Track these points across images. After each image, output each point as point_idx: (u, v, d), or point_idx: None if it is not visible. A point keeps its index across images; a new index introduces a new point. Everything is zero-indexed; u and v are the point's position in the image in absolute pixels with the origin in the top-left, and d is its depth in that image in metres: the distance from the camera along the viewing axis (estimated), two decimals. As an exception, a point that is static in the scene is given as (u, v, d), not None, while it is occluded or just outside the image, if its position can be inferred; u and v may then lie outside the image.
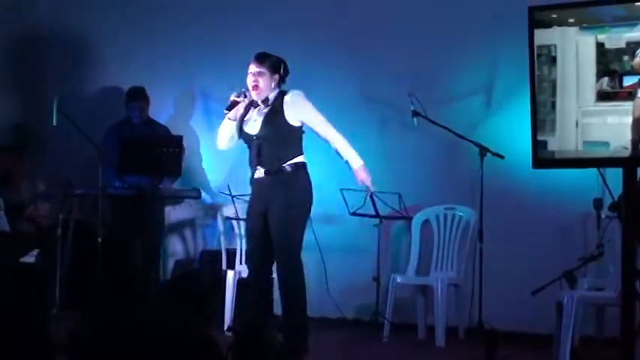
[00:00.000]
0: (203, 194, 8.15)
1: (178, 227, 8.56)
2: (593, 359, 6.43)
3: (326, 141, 5.93)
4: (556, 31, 4.34)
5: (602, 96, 4.24)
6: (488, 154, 6.96)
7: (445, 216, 7.48)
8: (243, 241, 7.04)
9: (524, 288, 6.00)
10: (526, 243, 7.20)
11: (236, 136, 6.06)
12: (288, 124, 5.89)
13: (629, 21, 4.18)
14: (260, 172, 5.92)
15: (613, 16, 4.21)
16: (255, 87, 5.93)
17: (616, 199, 5.22)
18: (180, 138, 7.67)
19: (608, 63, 4.22)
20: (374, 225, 7.34)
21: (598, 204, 6.76)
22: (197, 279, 8.01)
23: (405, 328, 7.34)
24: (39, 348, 4.25)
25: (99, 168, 7.13)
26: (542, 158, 4.43)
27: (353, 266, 7.68)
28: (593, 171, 5.26)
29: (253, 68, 5.95)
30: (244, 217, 6.28)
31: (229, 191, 7.30)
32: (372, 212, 7.28)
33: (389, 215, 7.34)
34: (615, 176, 4.52)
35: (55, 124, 6.99)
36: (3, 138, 8.52)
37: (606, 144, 4.25)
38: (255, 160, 5.92)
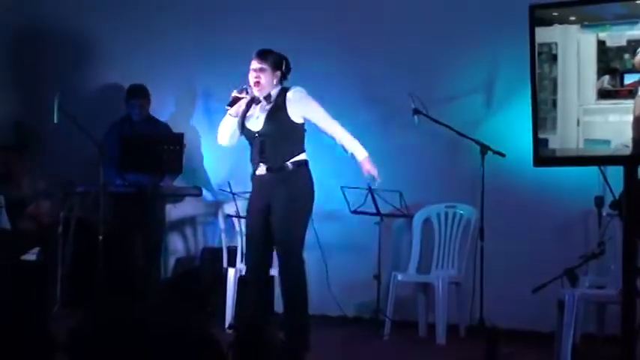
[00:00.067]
0: (204, 192, 8.15)
1: (179, 225, 8.56)
2: (595, 357, 6.42)
3: (330, 136, 5.93)
4: (557, 29, 4.34)
5: (603, 94, 4.23)
6: (489, 153, 6.95)
7: (446, 214, 7.48)
8: (244, 238, 7.03)
9: (525, 286, 6.00)
10: (527, 241, 7.20)
11: (237, 132, 6.06)
12: (291, 121, 5.90)
13: (630, 19, 4.17)
14: (262, 170, 5.93)
15: (614, 14, 4.21)
16: (257, 83, 5.93)
17: (617, 197, 5.22)
18: (181, 135, 7.67)
19: (609, 61, 4.22)
20: (375, 223, 7.35)
21: (599, 202, 6.76)
22: (198, 277, 8.01)
23: (406, 326, 7.34)
24: (40, 346, 4.25)
25: (100, 166, 7.13)
26: (543, 156, 4.43)
27: (354, 264, 7.68)
28: (594, 169, 5.27)
29: (255, 64, 5.95)
30: (245, 214, 6.28)
31: (230, 189, 7.31)
32: (373, 210, 7.28)
33: (390, 213, 7.34)
34: (616, 174, 4.51)
35: (55, 121, 6.99)
36: (3, 136, 8.52)
37: (607, 142, 4.24)
38: (258, 157, 5.93)
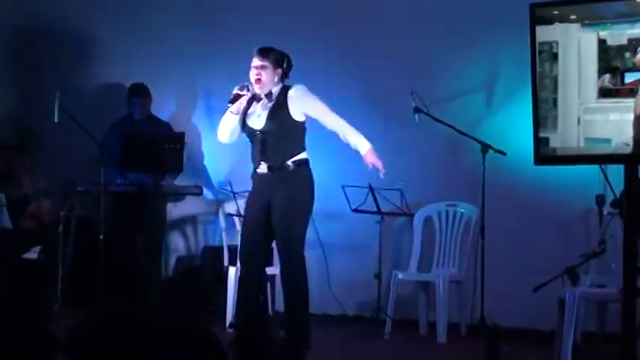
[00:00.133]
0: (205, 191, 8.14)
1: (180, 224, 8.55)
2: (595, 355, 6.42)
3: (333, 131, 5.92)
4: (558, 27, 4.34)
5: (604, 93, 4.24)
6: (490, 151, 6.95)
7: (447, 212, 7.48)
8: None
9: (526, 284, 5.99)
10: (528, 239, 7.20)
11: (238, 129, 6.05)
12: (293, 119, 5.90)
13: (631, 18, 4.18)
14: (263, 168, 5.92)
15: (615, 12, 4.21)
16: (258, 80, 5.92)
17: (618, 196, 5.22)
18: (182, 134, 7.67)
19: (610, 60, 4.22)
20: (376, 221, 7.35)
21: (600, 200, 6.74)
22: (199, 275, 8.02)
23: (407, 325, 7.34)
24: (40, 345, 4.25)
25: (100, 165, 7.13)
26: (544, 155, 4.44)
27: (354, 263, 7.68)
28: (595, 167, 5.26)
29: (256, 62, 5.94)
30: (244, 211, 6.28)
31: (231, 188, 7.31)
32: (374, 209, 7.28)
33: (391, 212, 7.34)
34: (617, 173, 4.52)
35: (56, 121, 6.99)
36: (4, 136, 8.52)
37: (608, 141, 4.25)
38: (259, 156, 5.92)
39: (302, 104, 5.90)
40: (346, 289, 7.58)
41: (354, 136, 5.88)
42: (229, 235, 7.58)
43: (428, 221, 7.53)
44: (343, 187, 7.27)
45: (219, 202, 8.02)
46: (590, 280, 6.36)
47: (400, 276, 7.26)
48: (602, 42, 4.22)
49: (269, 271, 7.19)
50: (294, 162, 5.88)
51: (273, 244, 6.13)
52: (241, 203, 7.05)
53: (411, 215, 7.47)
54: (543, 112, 4.40)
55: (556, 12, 4.35)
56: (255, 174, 5.99)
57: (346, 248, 7.70)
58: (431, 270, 7.41)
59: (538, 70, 4.40)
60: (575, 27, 4.30)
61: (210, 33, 8.37)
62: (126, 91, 8.21)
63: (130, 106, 8.14)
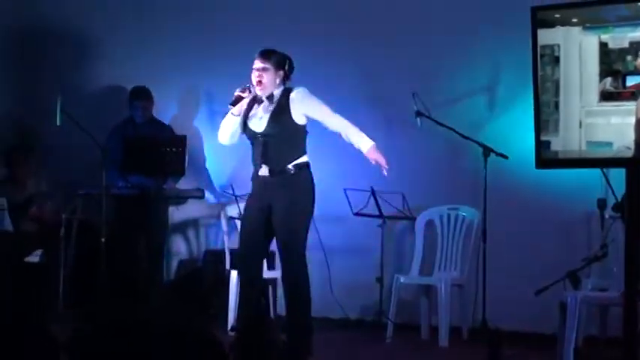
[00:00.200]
0: (206, 194, 8.14)
1: (182, 227, 8.56)
2: (597, 359, 6.42)
3: (335, 132, 5.92)
4: (559, 30, 4.34)
5: (606, 96, 4.24)
6: (492, 155, 6.95)
7: (449, 216, 7.47)
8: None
9: (528, 288, 6.00)
10: (529, 243, 7.19)
11: (239, 131, 6.05)
12: (294, 122, 5.90)
13: (632, 21, 4.18)
14: (264, 171, 5.92)
15: (616, 16, 4.21)
16: (259, 82, 5.93)
17: (619, 200, 5.22)
18: (183, 137, 7.67)
19: (612, 63, 4.22)
20: (377, 225, 7.35)
21: (602, 204, 6.75)
22: (200, 279, 8.02)
23: (409, 329, 7.33)
24: (42, 347, 4.25)
25: (102, 168, 7.13)
26: (546, 158, 4.43)
27: (356, 266, 7.67)
28: (596, 171, 5.27)
29: (258, 64, 5.95)
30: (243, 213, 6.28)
31: (233, 191, 7.31)
32: (376, 212, 7.28)
33: (392, 215, 7.34)
34: (619, 176, 4.52)
35: (58, 124, 6.99)
36: (4, 136, 8.53)
37: (610, 144, 4.25)
38: (260, 159, 5.92)
39: (304, 106, 5.90)
40: (348, 292, 7.57)
41: (357, 136, 5.88)
42: (231, 239, 7.58)
43: (430, 225, 7.53)
44: (345, 190, 7.27)
45: (220, 206, 8.02)
46: (591, 284, 6.36)
47: (402, 280, 7.26)
48: (603, 45, 4.22)
49: (271, 274, 7.21)
50: (295, 165, 5.88)
51: (273, 247, 6.14)
52: (243, 206, 7.05)
53: (413, 219, 7.47)
54: (545, 116, 4.40)
55: (557, 15, 4.35)
56: (256, 176, 5.99)
57: (348, 252, 7.70)
58: (433, 274, 7.41)
59: (539, 73, 4.40)
60: (576, 30, 4.30)
61: (213, 36, 8.37)
62: (127, 94, 8.21)
63: (132, 109, 8.14)
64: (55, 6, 8.95)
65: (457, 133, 7.04)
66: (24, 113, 8.82)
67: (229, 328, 7.14)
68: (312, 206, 5.93)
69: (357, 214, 7.32)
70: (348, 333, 7.40)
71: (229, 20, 8.31)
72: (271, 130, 5.90)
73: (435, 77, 7.59)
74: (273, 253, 6.89)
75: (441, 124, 7.05)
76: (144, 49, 8.61)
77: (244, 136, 6.08)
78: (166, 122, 8.29)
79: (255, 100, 5.98)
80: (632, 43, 4.16)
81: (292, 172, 5.87)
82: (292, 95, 5.91)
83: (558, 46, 4.35)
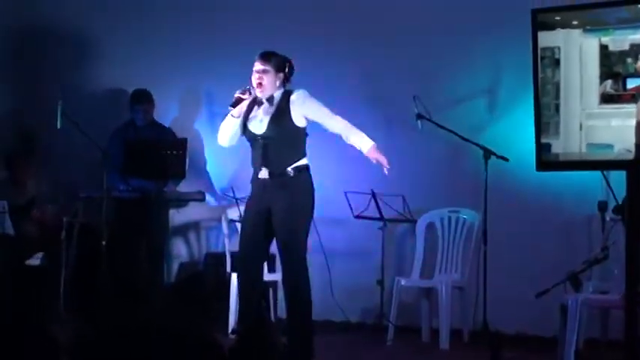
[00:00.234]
0: (207, 197, 8.14)
1: (183, 230, 8.56)
2: (598, 362, 6.44)
3: (336, 134, 5.92)
4: (560, 33, 4.35)
5: (606, 98, 4.24)
6: (493, 157, 6.94)
7: (449, 219, 7.47)
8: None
9: (529, 290, 5.99)
10: (530, 246, 7.19)
11: (239, 133, 6.05)
12: (294, 125, 5.90)
13: (632, 23, 4.18)
14: (264, 173, 5.92)
15: (617, 18, 4.21)
16: (260, 85, 5.93)
17: (620, 202, 5.21)
18: (184, 140, 7.67)
19: (612, 65, 4.22)
20: (378, 228, 7.35)
21: (602, 206, 6.75)
22: (201, 281, 8.01)
23: (410, 331, 7.33)
24: (43, 350, 4.25)
25: (103, 171, 7.13)
26: (546, 161, 4.44)
27: (357, 269, 7.67)
28: (597, 173, 5.26)
29: (258, 66, 5.95)
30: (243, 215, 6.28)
31: (233, 194, 7.31)
32: (377, 215, 7.28)
33: (393, 218, 7.34)
34: (620, 178, 4.52)
35: (59, 127, 6.98)
36: (5, 136, 8.53)
37: (610, 146, 4.25)
38: (260, 161, 5.92)
39: (304, 108, 5.91)
40: (349, 295, 7.57)
41: (357, 136, 5.87)
42: (232, 241, 7.58)
43: (430, 227, 7.53)
44: (346, 193, 7.27)
45: (221, 208, 8.02)
46: (592, 287, 6.36)
47: (403, 282, 7.26)
48: (604, 48, 4.23)
49: (272, 277, 7.21)
50: (294, 168, 5.88)
51: (274, 249, 6.14)
52: (243, 209, 7.05)
53: (414, 221, 7.47)
54: (545, 118, 4.40)
55: (558, 18, 4.36)
56: (255, 179, 5.99)
57: (349, 254, 7.70)
58: (433, 276, 7.41)
59: (540, 75, 4.41)
60: (577, 33, 4.30)
61: (213, 37, 8.37)
62: (128, 97, 8.21)
63: (133, 112, 8.14)
64: (55, 6, 8.94)
65: (458, 135, 7.04)
66: (24, 114, 8.81)
67: (230, 331, 7.14)
68: (312, 208, 5.93)
69: (357, 216, 7.33)
70: (349, 336, 7.40)
71: (229, 21, 8.31)
72: (271, 133, 5.90)
73: (436, 79, 7.59)
74: (273, 256, 6.89)
75: (442, 127, 7.04)
76: (144, 50, 8.61)
77: (244, 138, 6.08)
78: (167, 125, 8.29)
79: (255, 102, 5.98)
80: (632, 46, 4.17)
81: (292, 174, 5.87)
82: (292, 97, 5.91)
83: (559, 48, 4.35)
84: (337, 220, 7.51)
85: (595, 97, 4.26)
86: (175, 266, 8.55)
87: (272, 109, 5.93)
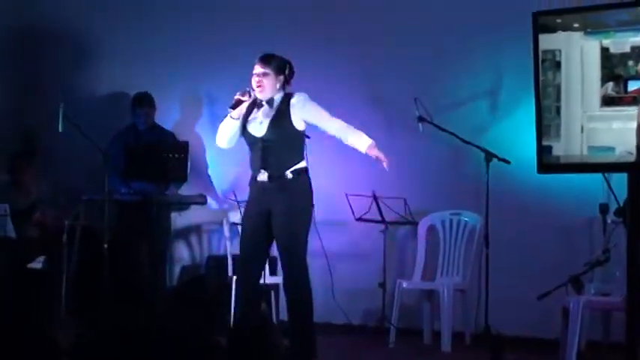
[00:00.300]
0: (209, 200, 8.14)
1: (184, 233, 8.56)
2: (600, 364, 6.43)
3: (335, 137, 5.91)
4: (561, 35, 4.35)
5: (607, 101, 4.24)
6: (494, 160, 6.93)
7: (451, 221, 7.48)
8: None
9: (530, 293, 5.99)
10: (532, 248, 7.19)
11: (238, 135, 6.04)
12: (294, 128, 5.90)
13: (633, 26, 4.18)
14: (263, 176, 5.92)
15: (617, 20, 4.22)
16: (260, 87, 5.93)
17: (621, 205, 5.21)
18: (186, 144, 7.66)
19: (613, 68, 4.22)
20: (380, 230, 7.35)
21: (604, 209, 6.74)
22: (203, 285, 8.01)
23: (411, 334, 7.33)
24: (45, 353, 4.26)
25: (105, 174, 7.13)
26: (547, 163, 4.44)
27: (358, 272, 7.67)
28: (598, 176, 5.25)
29: (258, 69, 5.95)
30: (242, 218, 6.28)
31: (235, 197, 7.31)
32: (378, 217, 7.28)
33: (394, 220, 7.34)
34: (621, 181, 4.51)
35: (60, 130, 6.98)
36: (8, 140, 8.53)
37: (611, 149, 4.25)
38: (259, 163, 5.92)
39: (304, 112, 5.90)
40: (350, 298, 7.57)
41: (355, 136, 5.85)
42: (233, 245, 7.57)
43: (432, 230, 7.53)
44: (347, 195, 7.28)
45: (223, 212, 8.03)
46: (594, 289, 6.36)
47: (404, 285, 7.26)
48: (605, 50, 4.23)
49: (274, 280, 7.21)
50: (293, 171, 5.87)
51: (274, 251, 6.14)
52: (243, 212, 7.05)
53: (415, 224, 7.48)
54: (546, 121, 4.41)
55: (559, 20, 4.36)
56: (254, 182, 5.98)
57: (350, 257, 7.70)
58: (435, 279, 7.41)
59: (541, 78, 4.41)
60: (578, 35, 4.30)
61: (213, 37, 8.36)
62: (128, 99, 8.21)
63: (134, 115, 8.14)
64: (55, 6, 8.95)
65: (459, 138, 7.03)
66: (24, 115, 8.80)
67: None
68: (311, 210, 5.92)
69: (359, 219, 7.33)
70: (351, 338, 7.40)
71: (229, 21, 8.31)
72: (271, 135, 5.89)
73: (437, 81, 7.59)
74: (275, 259, 6.88)
75: (443, 130, 7.04)
76: (144, 50, 8.61)
77: (243, 140, 6.07)
78: (168, 128, 8.29)
79: (255, 104, 5.97)
80: (633, 48, 4.17)
81: (290, 177, 5.87)
82: (293, 101, 5.91)
83: (560, 51, 4.35)
84: (339, 222, 7.51)
85: (596, 100, 4.26)
86: (177, 269, 8.55)
87: (272, 112, 5.93)
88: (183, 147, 7.61)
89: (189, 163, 7.57)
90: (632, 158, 4.18)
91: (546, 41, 4.38)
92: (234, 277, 7.31)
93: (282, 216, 5.83)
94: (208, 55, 8.38)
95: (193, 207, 8.27)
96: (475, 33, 7.48)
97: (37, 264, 7.56)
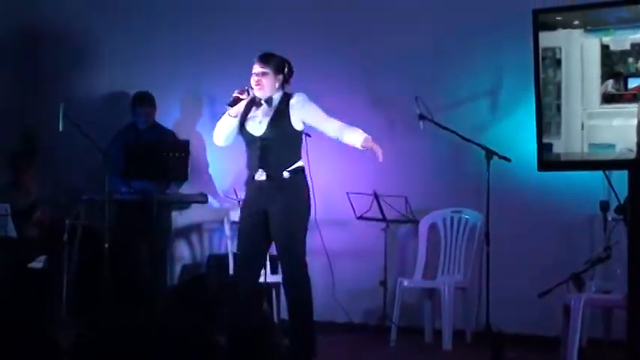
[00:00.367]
0: (210, 199, 8.14)
1: (185, 232, 8.55)
2: (601, 362, 6.44)
3: (332, 137, 5.90)
4: (561, 33, 4.35)
5: (607, 98, 4.24)
6: (495, 157, 6.93)
7: (452, 219, 7.47)
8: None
9: (531, 290, 5.99)
10: (532, 246, 7.19)
11: (235, 133, 6.02)
12: (293, 128, 5.89)
13: (633, 23, 4.18)
14: (261, 175, 5.91)
15: (617, 18, 4.22)
16: (258, 86, 5.92)
17: (622, 202, 5.21)
18: (186, 142, 7.66)
19: (613, 65, 4.23)
20: (381, 229, 7.35)
21: (604, 206, 6.74)
22: (204, 284, 8.01)
23: (412, 332, 7.33)
24: (46, 353, 4.26)
25: (105, 173, 7.13)
26: (548, 161, 4.44)
27: (360, 270, 7.67)
28: (599, 173, 5.25)
29: (257, 68, 5.93)
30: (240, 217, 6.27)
31: (236, 195, 7.31)
32: (379, 216, 7.28)
33: (395, 219, 7.34)
34: (621, 178, 4.51)
35: (61, 130, 6.98)
36: (9, 139, 8.53)
37: (612, 146, 4.25)
38: (257, 162, 5.91)
39: (303, 112, 5.89)
40: (351, 296, 7.57)
41: (350, 134, 5.81)
42: (234, 244, 7.56)
43: (433, 228, 7.53)
44: (348, 194, 7.27)
45: (224, 210, 8.02)
46: (595, 286, 6.36)
47: (405, 283, 7.25)
48: (605, 47, 4.23)
49: (274, 279, 7.21)
50: (291, 171, 5.86)
51: (274, 250, 6.13)
52: (240, 211, 7.05)
53: (416, 222, 7.48)
54: (547, 118, 4.41)
55: (559, 18, 4.36)
56: (251, 181, 5.96)
57: (351, 256, 7.69)
58: (436, 277, 7.41)
59: (541, 76, 4.41)
60: (578, 33, 4.31)
61: (213, 36, 8.35)
62: (128, 99, 8.21)
63: (135, 115, 8.14)
64: (55, 6, 8.94)
65: (459, 136, 7.04)
66: (24, 115, 8.80)
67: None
68: (309, 209, 5.90)
69: (360, 217, 7.33)
70: (352, 337, 7.40)
71: (229, 21, 8.31)
72: (270, 135, 5.88)
73: (437, 80, 7.59)
74: (275, 257, 6.88)
75: (444, 128, 7.04)
76: (144, 50, 8.60)
77: (241, 139, 6.06)
78: (169, 127, 8.28)
79: (254, 103, 5.96)
80: (633, 45, 4.17)
81: (288, 176, 5.86)
82: (292, 101, 5.89)
83: (560, 48, 4.36)
84: (339, 221, 7.51)
85: (596, 97, 4.26)
86: (178, 268, 8.55)
87: (271, 112, 5.92)
88: (184, 146, 7.61)
89: (189, 162, 7.57)
90: (633, 155, 4.18)
91: (546, 39, 4.38)
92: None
93: (280, 216, 5.82)
94: (208, 55, 8.38)
95: (194, 206, 8.27)
96: (475, 33, 7.48)
97: (38, 264, 7.56)
